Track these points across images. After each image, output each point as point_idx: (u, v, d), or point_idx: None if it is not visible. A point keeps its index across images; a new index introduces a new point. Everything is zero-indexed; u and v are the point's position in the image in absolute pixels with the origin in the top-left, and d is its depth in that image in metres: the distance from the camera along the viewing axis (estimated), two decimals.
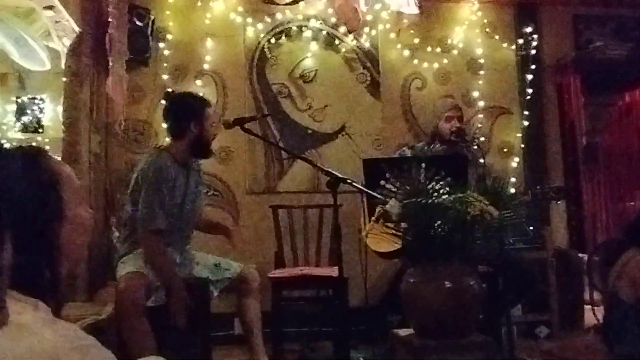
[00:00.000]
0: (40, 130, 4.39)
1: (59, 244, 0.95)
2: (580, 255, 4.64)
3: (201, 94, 3.49)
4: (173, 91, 3.39)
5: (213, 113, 3.27)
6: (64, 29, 3.83)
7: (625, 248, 3.35)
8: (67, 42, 3.85)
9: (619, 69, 4.90)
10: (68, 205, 1.01)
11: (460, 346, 2.26)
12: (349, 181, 2.64)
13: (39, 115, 4.40)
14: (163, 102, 3.32)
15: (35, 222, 0.90)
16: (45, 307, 0.86)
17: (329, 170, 2.69)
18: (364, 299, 3.63)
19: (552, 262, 4.31)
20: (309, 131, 4.70)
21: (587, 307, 4.59)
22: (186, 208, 3.12)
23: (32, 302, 0.85)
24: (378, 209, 2.35)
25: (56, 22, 3.75)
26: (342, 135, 4.74)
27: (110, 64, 3.80)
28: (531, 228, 4.16)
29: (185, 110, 3.12)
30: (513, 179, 4.78)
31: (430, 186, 2.31)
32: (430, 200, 2.23)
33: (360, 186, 2.70)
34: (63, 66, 3.92)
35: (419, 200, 2.22)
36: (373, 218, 2.37)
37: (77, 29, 3.83)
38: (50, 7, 3.63)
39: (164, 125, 4.40)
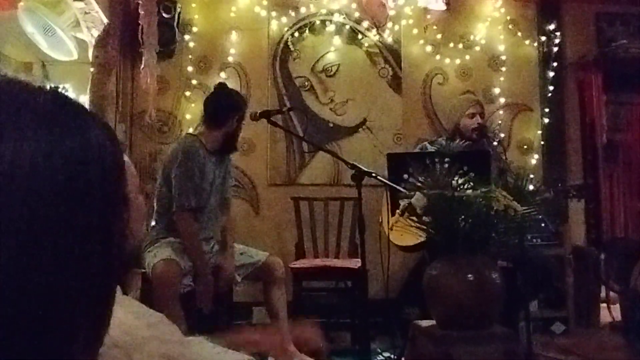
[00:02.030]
0: None
1: (125, 227, 1.00)
2: (597, 253, 4.67)
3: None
4: (226, 85, 3.52)
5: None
6: (93, 20, 3.90)
7: None
8: (96, 33, 3.92)
9: None
10: (129, 190, 1.07)
11: (481, 337, 2.31)
12: (373, 175, 2.69)
13: None
14: (212, 90, 3.46)
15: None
16: (121, 291, 0.91)
17: (355, 163, 2.73)
18: (382, 291, 3.68)
19: (569, 259, 4.34)
20: (330, 125, 4.75)
21: (603, 304, 4.63)
22: (214, 196, 3.22)
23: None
24: (403, 203, 2.39)
25: (86, 13, 3.82)
26: (363, 129, 4.79)
27: (144, 55, 3.87)
28: (543, 224, 4.18)
29: (233, 104, 3.29)
30: (532, 176, 4.79)
31: (454, 181, 2.36)
32: (455, 195, 2.27)
33: (384, 180, 2.74)
34: (89, 56, 4.00)
35: (444, 194, 2.26)
36: (398, 211, 2.42)
37: (105, 20, 3.90)
38: None
39: (188, 117, 4.54)
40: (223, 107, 3.28)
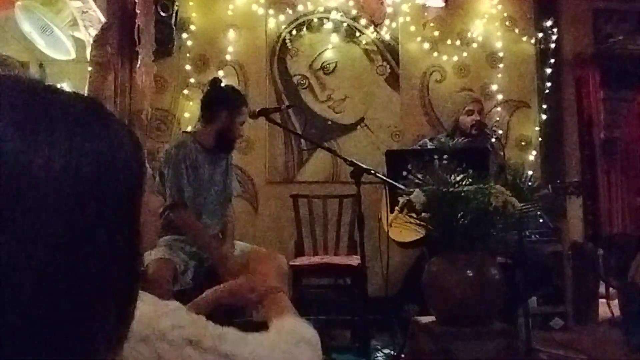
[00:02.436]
0: None
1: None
2: (595, 248, 4.69)
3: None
4: (221, 80, 3.51)
5: (246, 114, 3.30)
6: (90, 19, 3.90)
7: None
8: (93, 32, 3.93)
9: (638, 64, 4.90)
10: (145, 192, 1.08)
11: (481, 334, 2.32)
12: (372, 172, 2.69)
13: None
14: (209, 87, 3.44)
15: None
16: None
17: (354, 161, 2.74)
18: (381, 288, 3.68)
19: (568, 255, 4.35)
20: (329, 122, 4.76)
21: (602, 300, 4.65)
22: (213, 195, 3.22)
23: None
24: (402, 199, 2.40)
25: (83, 12, 3.82)
26: (361, 126, 4.79)
27: (140, 54, 3.87)
28: (541, 221, 4.19)
29: (222, 98, 3.25)
30: (530, 172, 4.80)
31: (452, 177, 2.37)
32: (453, 191, 2.28)
33: (383, 177, 2.75)
34: (87, 55, 4.00)
35: (443, 190, 2.27)
36: (397, 208, 2.43)
37: (103, 19, 3.90)
38: None
39: (186, 115, 4.54)
40: (213, 101, 3.26)
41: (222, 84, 3.45)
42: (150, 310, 0.86)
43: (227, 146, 3.31)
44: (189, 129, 4.25)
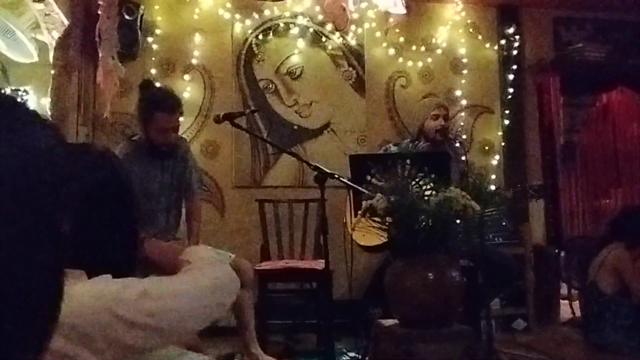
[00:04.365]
0: None
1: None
2: (557, 251, 4.79)
3: (175, 92, 3.44)
4: (152, 82, 3.43)
5: (168, 117, 3.13)
6: (53, 22, 3.85)
7: (607, 243, 3.52)
8: (56, 34, 3.88)
9: (596, 70, 5.03)
10: None
11: (442, 335, 2.35)
12: (336, 176, 2.71)
13: None
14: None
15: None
16: (86, 276, 0.94)
17: (317, 165, 2.75)
18: (347, 292, 3.70)
19: (530, 257, 4.43)
20: (295, 127, 4.77)
21: (564, 301, 4.75)
22: (165, 196, 3.20)
23: (77, 274, 0.92)
24: (364, 204, 2.42)
25: (46, 14, 3.78)
26: (327, 131, 4.82)
27: (100, 56, 3.83)
28: (503, 224, 4.26)
29: (139, 109, 3.21)
30: (493, 177, 4.90)
31: (414, 182, 2.41)
32: (414, 196, 2.31)
33: (347, 181, 2.77)
34: (50, 58, 3.95)
35: (404, 195, 2.30)
36: (360, 212, 2.45)
37: (66, 22, 3.85)
38: (40, 0, 3.66)
39: None
40: (138, 105, 3.23)
41: (149, 89, 3.29)
42: (97, 285, 0.89)
43: (158, 152, 3.20)
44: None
